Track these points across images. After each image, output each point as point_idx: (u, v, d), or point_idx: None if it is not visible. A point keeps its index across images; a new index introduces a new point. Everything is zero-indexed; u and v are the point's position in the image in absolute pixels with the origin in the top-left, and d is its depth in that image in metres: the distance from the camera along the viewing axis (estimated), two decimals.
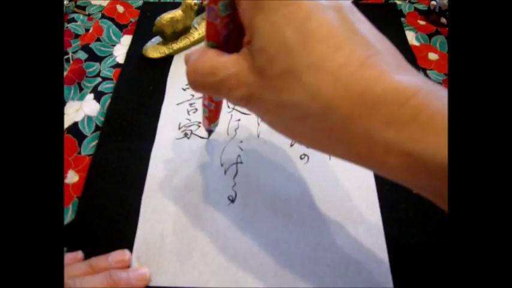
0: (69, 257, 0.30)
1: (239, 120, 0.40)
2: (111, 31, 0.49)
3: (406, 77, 0.16)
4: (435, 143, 0.15)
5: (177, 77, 0.44)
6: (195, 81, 0.22)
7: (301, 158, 0.36)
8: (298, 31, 0.17)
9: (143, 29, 0.49)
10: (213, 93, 0.23)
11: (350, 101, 0.16)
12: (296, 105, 0.18)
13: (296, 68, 0.17)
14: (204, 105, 0.31)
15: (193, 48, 0.23)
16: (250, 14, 0.19)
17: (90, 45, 0.47)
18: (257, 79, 0.19)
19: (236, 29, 0.22)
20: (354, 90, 0.16)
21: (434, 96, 0.16)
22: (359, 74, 0.16)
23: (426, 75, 0.44)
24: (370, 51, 0.17)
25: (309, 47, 0.17)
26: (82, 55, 0.46)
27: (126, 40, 0.48)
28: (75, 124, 0.40)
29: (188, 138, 0.38)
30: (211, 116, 0.32)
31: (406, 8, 0.52)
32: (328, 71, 0.17)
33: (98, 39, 0.48)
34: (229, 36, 0.22)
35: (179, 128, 0.39)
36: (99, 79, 0.44)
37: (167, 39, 0.45)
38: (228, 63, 0.20)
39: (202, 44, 0.23)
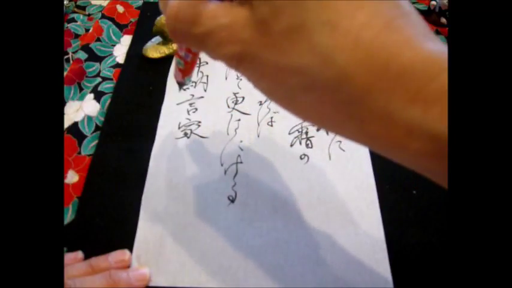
0: (69, 257, 0.30)
1: (239, 120, 0.40)
2: (111, 31, 0.49)
3: (436, 45, 0.14)
4: None
5: None
6: (176, 30, 0.18)
7: (301, 158, 0.36)
8: None
9: (143, 29, 0.49)
10: (197, 46, 0.18)
11: (370, 71, 0.14)
12: (302, 71, 0.15)
13: (307, 24, 0.14)
14: (178, 56, 0.27)
15: None
16: None
17: (90, 45, 0.47)
18: (255, 34, 0.15)
19: None
20: (377, 58, 0.14)
21: None
22: (383, 38, 0.14)
23: None
24: (397, 12, 0.14)
25: (324, 0, 0.14)
26: (82, 55, 0.46)
27: (126, 40, 0.48)
28: (75, 124, 0.40)
29: (188, 137, 0.38)
30: (187, 68, 0.28)
31: None
32: (346, 32, 0.14)
33: (98, 39, 0.48)
34: None
35: (179, 128, 0.39)
36: (99, 79, 0.44)
37: (167, 39, 0.45)
38: (218, 11, 0.16)
39: None
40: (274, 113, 0.40)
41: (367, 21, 0.14)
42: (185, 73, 0.29)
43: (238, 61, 0.17)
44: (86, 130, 0.39)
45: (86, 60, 0.45)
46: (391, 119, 0.14)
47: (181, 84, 0.31)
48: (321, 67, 0.14)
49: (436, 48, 0.14)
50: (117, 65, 0.45)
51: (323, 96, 0.15)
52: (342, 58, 0.14)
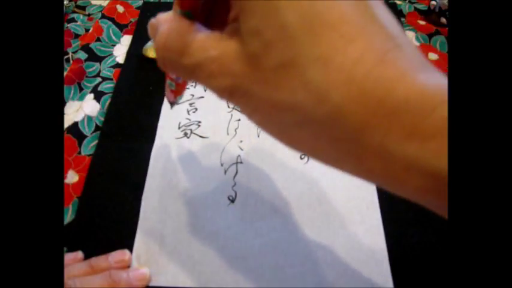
0: (69, 257, 0.30)
1: (239, 120, 0.40)
2: (111, 31, 0.49)
3: (431, 77, 0.14)
4: None
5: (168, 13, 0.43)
6: (165, 60, 0.18)
7: (301, 158, 0.36)
8: (302, 13, 0.14)
9: (143, 29, 0.48)
10: (187, 76, 0.18)
11: (365, 108, 0.13)
12: (296, 108, 0.14)
13: (299, 61, 0.14)
14: (170, 78, 0.26)
15: (161, 15, 0.19)
16: None
17: (90, 45, 0.47)
18: (246, 69, 0.15)
19: None
20: (371, 94, 0.13)
21: None
22: (377, 73, 0.13)
23: None
24: (390, 44, 0.14)
25: (316, 35, 0.14)
26: (82, 55, 0.46)
27: (126, 40, 0.48)
28: (75, 124, 0.40)
29: (188, 137, 0.38)
30: (178, 90, 0.28)
31: (406, 8, 0.52)
32: (339, 68, 0.13)
33: (98, 39, 0.48)
34: (209, 5, 0.18)
35: (179, 128, 0.39)
36: (99, 79, 0.44)
37: None
38: (208, 42, 0.16)
39: (174, 11, 0.18)
40: None
41: (360, 56, 0.13)
42: (177, 93, 0.28)
43: (230, 94, 0.16)
44: (86, 130, 0.39)
45: (86, 60, 0.45)
46: (388, 155, 0.14)
47: (173, 104, 0.31)
48: (315, 104, 0.14)
49: (431, 81, 0.14)
50: (117, 65, 0.45)
51: (318, 132, 0.15)
52: (335, 95, 0.14)
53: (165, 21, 0.18)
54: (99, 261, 0.30)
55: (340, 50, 0.13)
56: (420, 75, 0.13)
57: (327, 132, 0.15)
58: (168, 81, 0.27)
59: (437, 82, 0.14)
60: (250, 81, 0.15)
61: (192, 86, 0.43)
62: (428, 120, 0.13)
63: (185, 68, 0.17)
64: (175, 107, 0.41)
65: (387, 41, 0.14)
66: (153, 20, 0.19)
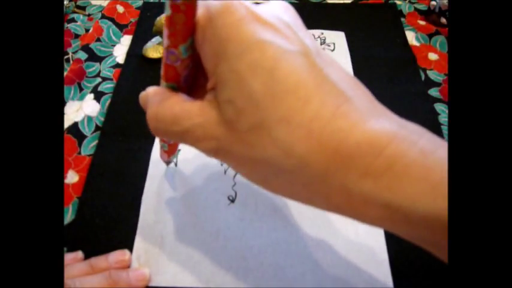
0: (69, 257, 0.30)
1: None
2: (111, 31, 0.49)
3: (378, 123, 0.16)
4: (412, 194, 0.15)
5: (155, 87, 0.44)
6: (157, 129, 0.20)
7: None
8: (265, 82, 0.16)
9: (143, 29, 0.49)
10: (177, 141, 0.21)
11: (325, 156, 0.16)
12: (269, 161, 0.17)
13: (266, 123, 0.16)
14: (162, 140, 0.29)
15: (149, 89, 0.22)
16: (214, 61, 0.18)
17: (90, 45, 0.47)
18: (226, 132, 0.18)
19: (195, 66, 0.21)
20: (328, 145, 0.16)
21: (410, 142, 0.15)
22: (331, 127, 0.16)
23: (426, 75, 0.44)
24: (341, 99, 0.16)
25: (277, 100, 0.16)
26: (82, 55, 0.46)
27: (126, 40, 0.48)
28: (75, 124, 0.40)
29: None
30: (171, 150, 0.31)
31: (406, 8, 0.52)
32: (299, 125, 0.16)
33: (98, 39, 0.48)
34: (189, 75, 0.21)
35: None
36: (99, 79, 0.44)
37: None
38: (192, 111, 0.19)
39: (161, 84, 0.22)
40: None
41: (315, 114, 0.16)
42: (170, 153, 0.31)
43: (215, 153, 0.19)
44: (86, 130, 0.39)
45: (86, 60, 0.45)
46: (349, 192, 0.16)
47: (168, 163, 0.35)
48: (283, 157, 0.16)
49: (379, 127, 0.16)
50: (117, 65, 0.45)
51: (290, 179, 0.17)
52: (299, 148, 0.16)
53: (153, 95, 0.21)
54: (99, 261, 0.30)
55: (298, 110, 0.16)
56: (369, 123, 0.16)
57: (298, 179, 0.17)
58: (161, 143, 0.30)
59: (385, 127, 0.16)
60: (230, 142, 0.18)
61: None
62: (377, 161, 0.15)
63: (175, 134, 0.20)
64: None
65: (338, 97, 0.16)
66: (143, 93, 0.22)
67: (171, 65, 0.20)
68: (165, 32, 0.18)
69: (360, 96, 0.17)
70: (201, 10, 0.18)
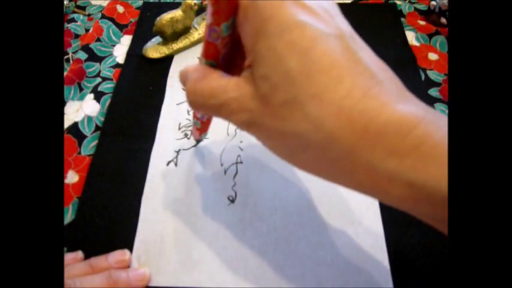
0: (69, 257, 0.30)
1: None
2: (111, 31, 0.49)
3: (407, 106, 0.17)
4: (437, 174, 0.15)
5: (177, 77, 0.44)
6: (195, 102, 0.22)
7: None
8: (301, 60, 0.17)
9: (143, 29, 0.49)
10: (213, 114, 0.22)
11: (353, 133, 0.16)
12: (299, 135, 0.18)
13: (299, 98, 0.17)
14: (195, 117, 0.31)
15: (190, 66, 0.23)
16: (253, 39, 0.18)
17: (90, 45, 0.47)
18: (259, 106, 0.19)
19: (233, 45, 0.22)
20: (357, 122, 0.16)
21: (436, 125, 0.16)
22: (361, 106, 0.16)
23: (426, 75, 0.44)
24: (372, 81, 0.17)
25: (311, 78, 0.17)
26: (82, 55, 0.46)
27: (126, 40, 0.48)
28: (75, 124, 0.40)
29: (188, 138, 0.38)
30: (203, 127, 0.32)
31: (406, 8, 0.52)
32: (330, 102, 0.17)
33: (98, 39, 0.48)
34: (227, 54, 0.22)
35: (179, 129, 0.39)
36: (99, 79, 0.44)
37: (167, 39, 0.45)
38: (229, 86, 0.20)
39: (200, 62, 0.23)
40: None
41: (347, 93, 0.17)
42: (202, 131, 0.33)
43: (248, 126, 0.20)
44: (86, 130, 0.39)
45: (86, 60, 0.45)
46: (374, 170, 0.16)
47: (198, 141, 0.36)
48: (313, 132, 0.17)
49: (407, 109, 0.16)
50: (117, 65, 0.45)
51: (318, 154, 0.18)
52: (328, 124, 0.17)
53: (193, 71, 0.22)
54: (99, 261, 0.30)
55: (331, 88, 0.17)
56: (398, 105, 0.16)
57: (325, 153, 0.18)
58: (194, 120, 0.31)
59: (413, 110, 0.16)
60: (263, 115, 0.19)
61: None
62: (405, 141, 0.16)
63: (211, 107, 0.21)
64: (176, 106, 0.41)
65: (370, 79, 0.17)
66: (183, 70, 0.24)
67: (212, 42, 0.21)
68: (209, 10, 0.19)
69: (390, 80, 0.18)
70: None
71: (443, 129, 0.16)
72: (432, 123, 0.16)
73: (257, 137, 0.21)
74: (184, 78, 0.23)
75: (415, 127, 0.16)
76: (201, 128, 0.32)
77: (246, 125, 0.20)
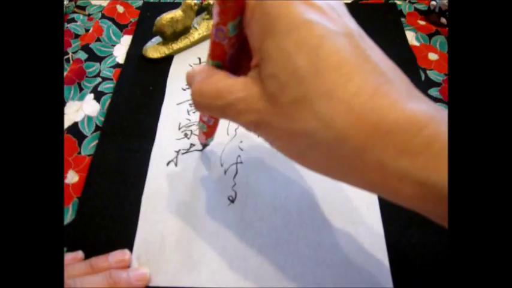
0: (69, 257, 0.30)
1: None
2: (111, 31, 0.49)
3: (417, 104, 0.16)
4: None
5: (177, 77, 0.44)
6: (201, 104, 0.21)
7: None
8: (310, 59, 0.17)
9: (143, 29, 0.49)
10: (219, 115, 0.22)
11: (363, 131, 0.16)
12: (308, 134, 0.17)
13: (308, 96, 0.17)
14: (202, 121, 0.30)
15: (196, 67, 0.23)
16: (260, 38, 0.18)
17: (90, 45, 0.47)
18: (267, 105, 0.18)
19: (240, 46, 0.21)
20: (367, 120, 0.16)
21: (447, 124, 0.16)
22: (372, 103, 0.16)
23: (426, 75, 0.44)
24: (382, 79, 0.17)
25: (321, 76, 0.17)
26: (82, 55, 0.46)
27: (126, 40, 0.48)
28: (75, 124, 0.40)
29: (188, 138, 0.38)
30: (210, 131, 0.31)
31: (406, 8, 0.52)
32: (341, 100, 0.16)
33: (98, 39, 0.48)
34: (234, 54, 0.22)
35: (179, 129, 0.39)
36: (99, 79, 0.44)
37: (167, 40, 0.45)
38: (235, 86, 0.20)
39: (207, 63, 0.22)
40: None
41: (357, 90, 0.16)
42: (208, 135, 0.32)
43: (256, 127, 0.20)
44: (86, 130, 0.39)
45: (86, 60, 0.45)
46: (385, 169, 0.16)
47: (205, 146, 0.36)
48: (323, 130, 0.17)
49: (418, 107, 0.16)
50: (117, 65, 0.45)
51: (327, 153, 0.18)
52: (339, 122, 0.16)
53: (199, 72, 0.22)
54: (99, 261, 0.30)
55: (340, 86, 0.16)
56: (408, 104, 0.16)
57: (334, 152, 0.17)
58: (200, 124, 0.31)
59: (423, 108, 0.16)
60: (271, 115, 0.18)
61: None
62: (416, 139, 0.15)
63: (218, 108, 0.20)
64: (176, 106, 0.41)
65: (380, 77, 0.17)
66: (189, 71, 0.23)
67: (218, 42, 0.21)
68: (216, 9, 0.19)
69: (399, 79, 0.18)
70: None
71: None
72: (442, 122, 0.16)
73: (265, 138, 0.20)
74: (190, 80, 0.23)
75: (426, 125, 0.16)
76: (207, 131, 0.31)
77: (254, 125, 0.20)
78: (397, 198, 0.17)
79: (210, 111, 0.22)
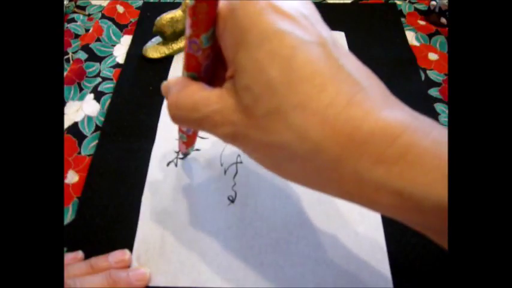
0: (69, 257, 0.30)
1: None
2: (111, 31, 0.49)
3: (392, 112, 0.16)
4: (424, 182, 0.15)
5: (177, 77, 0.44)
6: (177, 116, 0.21)
7: None
8: (282, 70, 0.17)
9: (143, 29, 0.49)
10: (196, 127, 0.22)
11: (338, 142, 0.16)
12: (284, 146, 0.17)
13: (282, 108, 0.17)
14: (181, 131, 0.30)
15: (171, 79, 0.23)
16: (233, 49, 0.18)
17: (90, 45, 0.47)
18: (243, 118, 0.18)
19: (215, 57, 0.21)
20: (342, 131, 0.16)
21: (422, 132, 0.16)
22: (346, 114, 0.16)
23: (426, 75, 0.44)
24: (356, 89, 0.17)
25: (294, 87, 0.16)
26: (82, 55, 0.46)
27: (126, 40, 0.48)
28: (75, 124, 0.40)
29: None
30: (190, 141, 0.31)
31: (406, 8, 0.52)
32: (314, 112, 0.16)
33: (98, 39, 0.48)
34: (209, 65, 0.22)
35: None
36: (99, 79, 0.44)
37: (167, 40, 0.45)
38: (211, 98, 0.19)
39: (182, 74, 0.22)
40: None
41: (330, 101, 0.16)
42: (188, 144, 0.32)
43: (232, 139, 0.20)
44: (86, 130, 0.39)
45: (86, 60, 0.45)
46: (361, 179, 0.16)
47: (186, 155, 0.36)
48: (298, 142, 0.17)
49: (392, 116, 0.16)
50: (117, 65, 0.45)
51: (303, 165, 0.18)
52: (313, 134, 0.16)
53: (175, 84, 0.22)
54: (99, 261, 0.30)
55: (314, 97, 0.16)
56: (383, 112, 0.16)
57: (310, 164, 0.17)
58: (179, 134, 0.31)
59: (398, 117, 0.16)
60: (247, 127, 0.18)
61: None
62: (391, 149, 0.15)
63: (194, 121, 0.20)
64: None
65: (353, 86, 0.17)
66: (165, 83, 0.23)
67: (192, 54, 0.21)
68: (188, 21, 0.19)
69: (374, 86, 0.17)
70: (222, 1, 0.19)
71: (431, 136, 0.15)
72: (418, 130, 0.16)
73: (242, 150, 0.20)
74: (166, 91, 0.22)
75: (401, 135, 0.15)
76: (187, 141, 0.31)
77: (230, 137, 0.20)
78: (376, 208, 0.17)
79: (187, 124, 0.22)
